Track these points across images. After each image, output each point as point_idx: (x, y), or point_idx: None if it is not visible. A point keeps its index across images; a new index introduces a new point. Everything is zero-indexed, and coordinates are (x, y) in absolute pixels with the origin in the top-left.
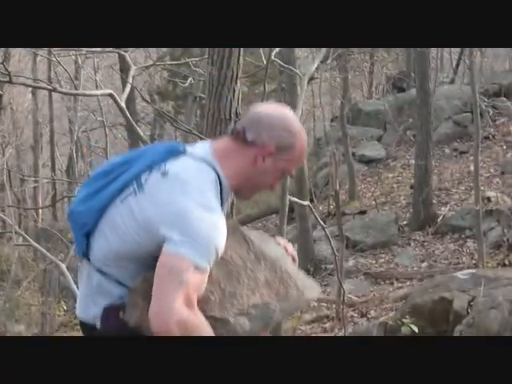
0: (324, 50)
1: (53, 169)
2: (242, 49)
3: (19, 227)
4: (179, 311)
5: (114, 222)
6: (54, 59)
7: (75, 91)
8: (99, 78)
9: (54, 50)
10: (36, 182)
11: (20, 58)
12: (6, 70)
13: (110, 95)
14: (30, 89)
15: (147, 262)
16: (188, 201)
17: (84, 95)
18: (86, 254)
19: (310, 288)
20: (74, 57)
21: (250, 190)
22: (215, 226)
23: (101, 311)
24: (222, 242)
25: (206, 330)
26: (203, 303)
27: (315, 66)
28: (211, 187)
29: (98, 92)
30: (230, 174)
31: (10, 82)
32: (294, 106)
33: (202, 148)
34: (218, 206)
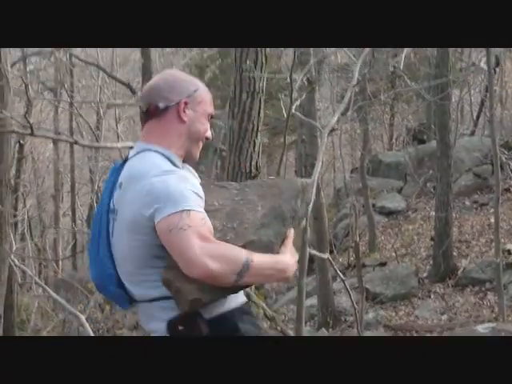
0: (345, 101)
1: (73, 218)
2: (262, 101)
3: (39, 277)
4: (202, 249)
5: (123, 253)
6: (75, 111)
7: (96, 144)
8: (121, 129)
9: (76, 101)
10: (56, 231)
11: (42, 107)
12: (28, 122)
13: (131, 148)
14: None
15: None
16: (147, 180)
17: (105, 147)
18: (131, 301)
19: (294, 178)
20: (95, 107)
21: (194, 147)
22: (178, 178)
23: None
24: (194, 185)
25: (235, 248)
26: None
27: (335, 119)
28: (162, 163)
29: (119, 144)
30: (172, 145)
31: (32, 134)
32: (314, 158)
33: (136, 146)
34: (174, 168)
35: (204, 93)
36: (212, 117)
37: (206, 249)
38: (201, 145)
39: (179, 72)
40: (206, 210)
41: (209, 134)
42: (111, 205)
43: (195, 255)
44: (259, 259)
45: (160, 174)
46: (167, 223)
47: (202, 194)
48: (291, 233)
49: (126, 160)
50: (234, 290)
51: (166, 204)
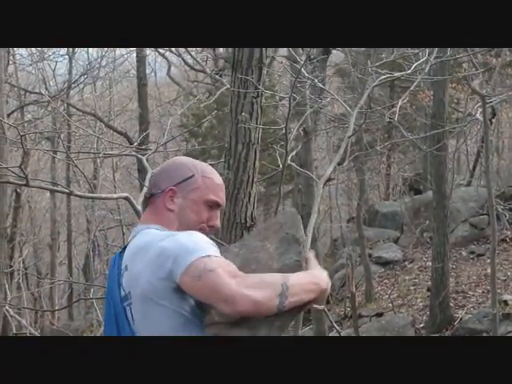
0: (340, 152)
1: (69, 267)
2: (257, 152)
3: (35, 327)
4: (238, 283)
5: (152, 333)
6: (71, 163)
7: (91, 195)
8: (118, 178)
9: (72, 152)
10: (52, 282)
11: (39, 156)
12: (24, 172)
13: (127, 198)
14: None
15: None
16: (155, 246)
17: (100, 198)
18: None
19: (286, 210)
20: (92, 156)
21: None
22: (187, 234)
23: None
24: (204, 237)
25: (269, 274)
26: None
27: (331, 169)
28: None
29: (115, 195)
30: (169, 229)
31: (27, 185)
32: (310, 207)
33: (134, 230)
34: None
35: (202, 179)
36: (217, 204)
37: (242, 282)
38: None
39: (185, 158)
40: None
41: (213, 222)
42: (121, 292)
43: (234, 290)
44: (295, 277)
45: (166, 238)
46: (192, 272)
47: (210, 242)
48: (311, 254)
49: (125, 247)
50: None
51: (184, 256)
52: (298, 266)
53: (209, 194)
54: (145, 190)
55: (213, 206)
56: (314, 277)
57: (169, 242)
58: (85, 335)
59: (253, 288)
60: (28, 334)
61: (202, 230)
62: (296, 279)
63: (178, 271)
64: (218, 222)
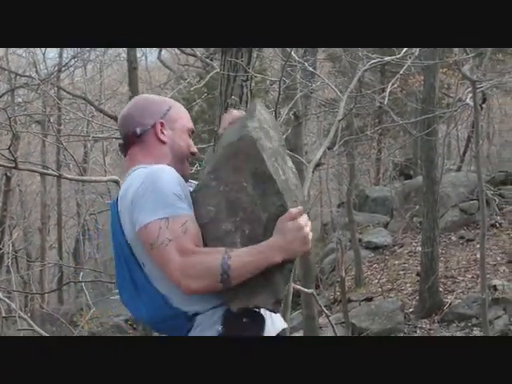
0: (330, 136)
1: (60, 251)
2: None
3: (25, 310)
4: (181, 269)
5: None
6: (61, 145)
7: (81, 177)
8: (108, 161)
9: (63, 134)
10: (42, 265)
11: (29, 140)
12: (13, 155)
13: (116, 182)
14: None
15: None
16: (131, 190)
17: (90, 181)
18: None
19: (239, 129)
20: (82, 140)
21: (182, 164)
22: (160, 179)
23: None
24: (175, 183)
25: (210, 256)
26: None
27: (320, 153)
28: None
29: (104, 178)
30: (160, 161)
31: (16, 167)
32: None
33: (127, 174)
34: (157, 166)
35: (178, 109)
36: (193, 132)
37: (183, 267)
38: (187, 162)
39: (149, 95)
40: (210, 220)
41: (193, 148)
42: (126, 238)
43: (177, 277)
44: (239, 259)
45: (140, 182)
46: (145, 236)
47: (183, 192)
48: (294, 211)
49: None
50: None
51: (144, 211)
52: (284, 211)
53: (188, 123)
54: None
55: (192, 133)
56: (263, 247)
57: (139, 188)
58: (74, 319)
59: (193, 277)
60: (17, 318)
61: (192, 155)
62: (240, 263)
63: (136, 225)
64: (195, 148)
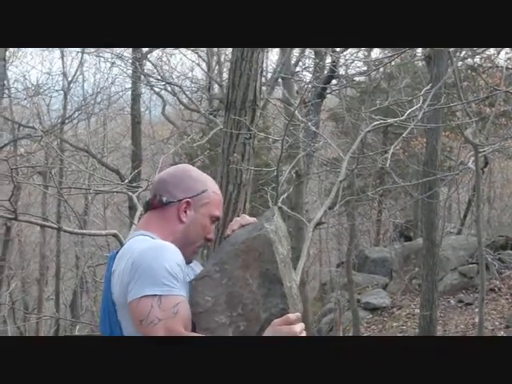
0: (331, 196)
1: (57, 303)
2: (248, 193)
3: None
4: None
5: None
6: (62, 198)
7: (81, 231)
8: (108, 214)
9: (64, 187)
10: (39, 318)
11: (30, 191)
12: (13, 206)
13: (115, 235)
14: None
15: None
16: (130, 255)
17: (90, 235)
18: None
19: (261, 230)
20: (83, 192)
21: (190, 247)
22: (161, 254)
23: None
24: (175, 264)
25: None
26: None
27: (321, 213)
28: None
29: (104, 232)
30: (166, 239)
31: (16, 219)
32: (300, 251)
33: (131, 235)
34: (162, 242)
35: (212, 194)
36: (217, 219)
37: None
38: (198, 247)
39: (193, 169)
40: (205, 310)
41: (211, 235)
42: (112, 296)
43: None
44: None
45: (142, 250)
46: (138, 310)
47: (181, 273)
48: (292, 316)
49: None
50: None
51: (139, 282)
52: (284, 314)
53: (215, 210)
54: (134, 227)
55: (215, 220)
56: None
57: (139, 256)
58: None
59: None
60: None
61: (207, 241)
62: None
63: (129, 294)
64: (213, 235)
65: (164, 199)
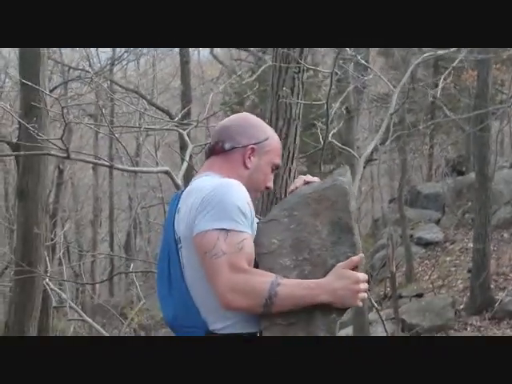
0: (382, 130)
1: (111, 244)
2: (298, 128)
3: (76, 302)
4: (228, 283)
5: (196, 282)
6: (114, 136)
7: (132, 168)
8: (160, 155)
9: (116, 128)
10: (94, 257)
11: (82, 133)
12: (65, 145)
13: (167, 172)
14: (90, 165)
15: None
16: (200, 192)
17: (141, 172)
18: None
19: (336, 181)
20: (135, 134)
21: (253, 193)
22: (231, 191)
23: None
24: (244, 201)
25: (261, 278)
26: None
27: (372, 146)
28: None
29: (155, 169)
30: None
31: (68, 157)
32: None
33: (196, 176)
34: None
35: (274, 142)
36: (277, 168)
37: (232, 282)
38: (259, 194)
39: (254, 117)
40: (269, 252)
41: (270, 184)
42: (175, 235)
43: (222, 290)
44: (288, 289)
45: (216, 185)
46: (203, 242)
47: (250, 212)
48: (356, 258)
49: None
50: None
51: (207, 216)
52: None
53: (276, 158)
54: (185, 165)
55: (275, 169)
56: (313, 285)
57: (208, 194)
58: (124, 311)
59: (238, 293)
60: (68, 308)
61: (267, 189)
62: (288, 292)
63: (195, 228)
64: (272, 183)
65: (228, 145)
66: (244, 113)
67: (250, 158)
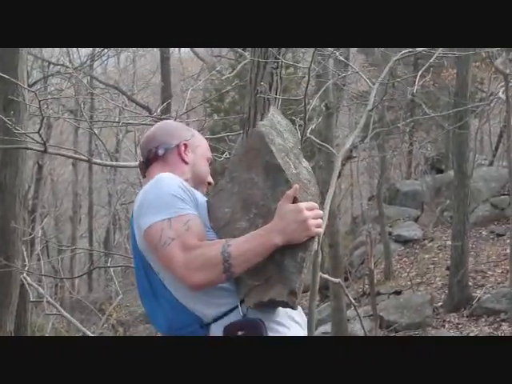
0: (360, 125)
1: (90, 240)
2: None
3: (55, 298)
4: (185, 264)
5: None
6: (93, 132)
7: (109, 162)
8: (139, 152)
9: (95, 121)
10: (73, 252)
11: (62, 129)
12: (42, 139)
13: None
14: (70, 160)
15: None
16: (139, 195)
17: (118, 166)
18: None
19: (255, 128)
20: (114, 130)
21: (202, 186)
22: (163, 184)
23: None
24: (180, 185)
25: (210, 247)
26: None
27: (350, 142)
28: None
29: (133, 163)
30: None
31: (45, 151)
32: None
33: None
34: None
35: (200, 138)
36: (211, 162)
37: (187, 261)
38: (205, 189)
39: (174, 122)
40: (226, 222)
41: (210, 178)
42: (140, 247)
43: (181, 273)
44: (240, 246)
45: (146, 187)
46: (150, 237)
47: (188, 195)
48: (289, 192)
49: None
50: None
51: (146, 214)
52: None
53: (208, 152)
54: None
55: (210, 163)
56: (261, 232)
57: (142, 195)
58: (103, 307)
59: (196, 270)
60: (45, 303)
61: (209, 185)
62: (240, 249)
63: (141, 229)
64: (211, 178)
65: (161, 150)
66: (163, 121)
67: (186, 153)
